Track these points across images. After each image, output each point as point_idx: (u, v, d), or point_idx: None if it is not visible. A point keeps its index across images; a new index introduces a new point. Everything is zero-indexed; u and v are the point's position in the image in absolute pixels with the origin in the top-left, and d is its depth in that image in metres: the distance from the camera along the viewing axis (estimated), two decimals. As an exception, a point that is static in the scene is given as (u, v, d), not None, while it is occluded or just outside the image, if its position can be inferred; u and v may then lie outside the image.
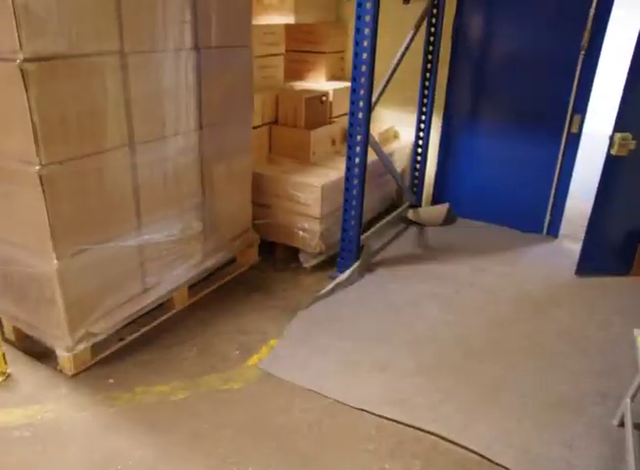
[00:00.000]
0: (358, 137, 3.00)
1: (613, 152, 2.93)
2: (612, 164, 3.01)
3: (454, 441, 2.05)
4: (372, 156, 3.25)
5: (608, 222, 3.20)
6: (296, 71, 4.15)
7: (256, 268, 3.31)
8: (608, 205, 3.14)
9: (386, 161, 3.62)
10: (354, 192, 3.12)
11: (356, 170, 3.07)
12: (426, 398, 2.27)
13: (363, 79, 2.88)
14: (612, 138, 2.92)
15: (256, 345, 2.58)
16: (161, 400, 2.21)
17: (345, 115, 3.56)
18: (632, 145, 2.89)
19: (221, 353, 2.51)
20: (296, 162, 3.52)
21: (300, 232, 3.25)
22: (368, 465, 1.94)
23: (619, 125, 2.89)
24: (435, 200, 4.27)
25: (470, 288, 3.17)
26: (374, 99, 3.10)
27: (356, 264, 3.22)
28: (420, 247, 3.74)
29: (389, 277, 3.26)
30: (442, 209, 4.13)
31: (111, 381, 2.30)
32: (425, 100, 3.92)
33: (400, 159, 4.11)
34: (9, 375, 2.29)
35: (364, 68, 2.86)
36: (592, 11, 3.31)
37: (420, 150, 4.09)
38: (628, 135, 2.88)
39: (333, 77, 4.16)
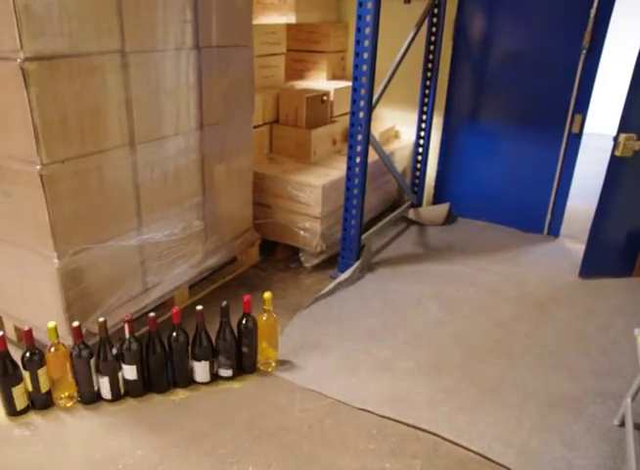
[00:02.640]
0: (359, 137, 3.00)
1: (617, 153, 2.92)
2: (616, 164, 3.00)
3: (455, 440, 2.05)
4: (373, 155, 3.25)
5: (611, 224, 3.19)
6: (296, 71, 4.15)
7: (257, 268, 3.31)
8: (612, 206, 3.13)
9: (386, 160, 3.62)
10: (355, 191, 3.12)
11: (357, 170, 3.07)
12: (426, 397, 2.27)
13: (364, 79, 2.88)
14: (616, 139, 2.91)
15: (257, 344, 2.58)
16: (162, 400, 2.21)
17: (346, 114, 3.56)
18: (637, 146, 2.88)
19: (222, 353, 2.51)
20: (296, 161, 3.52)
21: (301, 232, 3.25)
22: (368, 465, 1.94)
23: (624, 126, 2.88)
24: (436, 199, 4.27)
25: (471, 287, 3.16)
26: (375, 98, 3.10)
27: (357, 264, 3.21)
28: (420, 246, 3.74)
29: (390, 277, 3.26)
30: (443, 208, 4.13)
31: (111, 380, 2.30)
32: (426, 99, 3.92)
33: (401, 158, 4.11)
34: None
35: (365, 67, 2.85)
36: (593, 11, 3.30)
37: (421, 149, 4.09)
38: (633, 136, 2.87)
39: (334, 77, 4.16)
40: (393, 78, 3.46)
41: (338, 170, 3.35)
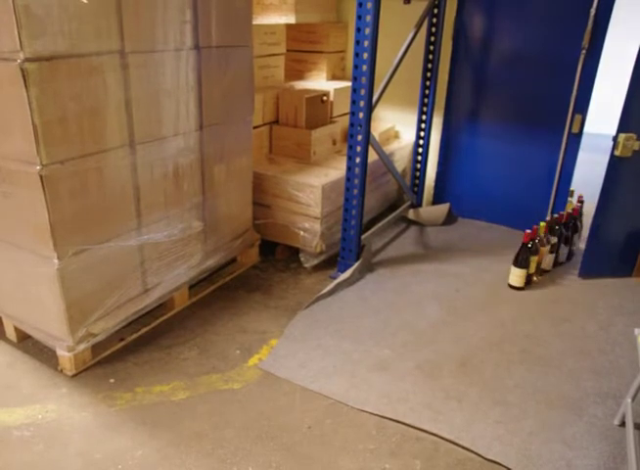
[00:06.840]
0: (359, 137, 3.00)
1: (616, 153, 2.92)
2: (615, 164, 3.00)
3: (455, 441, 2.05)
4: (372, 155, 3.25)
5: (611, 224, 3.19)
6: (296, 71, 4.15)
7: (257, 268, 3.31)
8: (611, 206, 3.13)
9: (386, 160, 3.62)
10: (355, 192, 3.12)
11: (357, 170, 3.07)
12: (426, 397, 2.27)
13: (364, 79, 2.88)
14: (615, 139, 2.91)
15: (257, 345, 2.58)
16: (162, 400, 2.21)
17: (346, 114, 3.57)
18: (637, 145, 2.88)
19: (222, 353, 2.51)
20: (296, 161, 3.52)
21: (301, 232, 3.25)
22: (368, 465, 1.94)
23: (624, 126, 2.88)
24: (436, 200, 4.27)
25: (470, 287, 3.16)
26: (374, 99, 3.10)
27: (357, 264, 3.21)
28: (420, 246, 3.74)
29: (390, 277, 3.26)
30: (443, 208, 4.13)
31: (111, 381, 2.30)
32: (425, 100, 3.92)
33: (401, 158, 4.11)
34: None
35: (365, 67, 2.85)
36: (593, 10, 3.30)
37: (420, 150, 4.09)
38: (632, 136, 2.86)
39: (333, 77, 4.16)
40: (393, 79, 3.45)
41: (337, 171, 3.35)
